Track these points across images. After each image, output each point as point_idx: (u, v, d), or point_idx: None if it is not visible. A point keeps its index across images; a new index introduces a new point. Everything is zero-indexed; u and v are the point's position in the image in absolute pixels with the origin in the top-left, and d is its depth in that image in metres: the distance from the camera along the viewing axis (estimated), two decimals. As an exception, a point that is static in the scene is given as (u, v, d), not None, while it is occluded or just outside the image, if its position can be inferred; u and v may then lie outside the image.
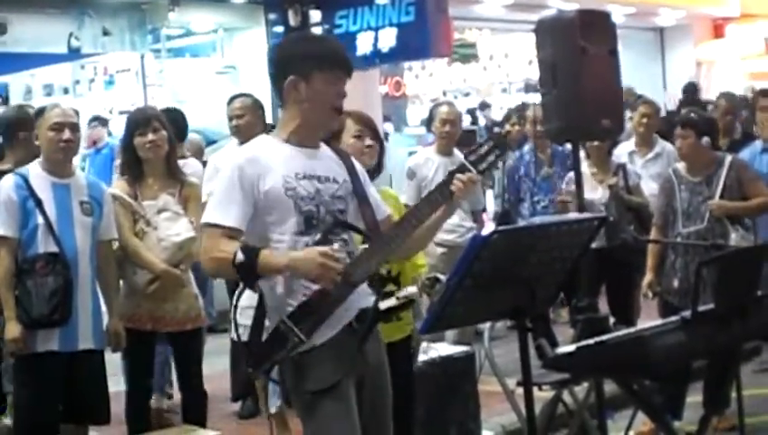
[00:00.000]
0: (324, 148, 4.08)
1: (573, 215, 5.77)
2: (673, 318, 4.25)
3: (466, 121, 15.83)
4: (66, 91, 15.20)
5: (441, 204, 3.93)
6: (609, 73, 6.01)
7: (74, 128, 5.72)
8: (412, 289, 4.08)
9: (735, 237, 6.39)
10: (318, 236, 3.85)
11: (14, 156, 6.43)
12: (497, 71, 21.83)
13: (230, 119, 7.25)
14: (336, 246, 3.82)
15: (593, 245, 5.36)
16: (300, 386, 3.88)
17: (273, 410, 5.99)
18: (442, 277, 4.36)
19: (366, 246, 3.94)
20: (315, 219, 3.87)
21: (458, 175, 3.89)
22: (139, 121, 6.07)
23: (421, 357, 5.72)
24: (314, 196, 3.89)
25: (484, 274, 3.63)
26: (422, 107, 19.89)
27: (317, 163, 3.97)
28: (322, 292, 3.78)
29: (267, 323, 3.89)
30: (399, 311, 4.05)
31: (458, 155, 8.29)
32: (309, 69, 3.90)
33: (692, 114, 6.92)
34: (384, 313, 3.96)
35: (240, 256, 3.73)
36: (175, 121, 7.24)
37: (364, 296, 3.91)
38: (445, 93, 21.66)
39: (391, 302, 3.98)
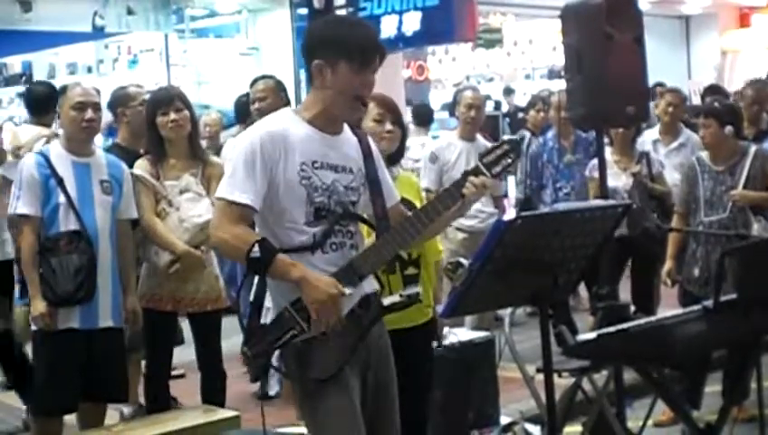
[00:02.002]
0: (345, 131, 4.00)
1: (597, 202, 5.74)
2: (695, 307, 4.25)
3: (489, 107, 15.76)
4: (90, 70, 15.27)
5: (453, 204, 3.87)
6: (634, 61, 5.97)
7: (96, 107, 5.73)
8: (416, 288, 4.03)
9: (758, 228, 6.36)
10: (325, 227, 3.80)
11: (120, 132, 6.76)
12: (521, 56, 21.77)
13: (252, 101, 7.22)
14: (346, 244, 3.81)
15: (616, 232, 5.33)
16: (302, 374, 3.82)
17: (271, 393, 6.00)
18: (464, 262, 4.35)
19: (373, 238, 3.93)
20: (325, 210, 3.81)
21: (471, 178, 3.83)
22: (162, 101, 6.05)
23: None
24: (329, 187, 3.82)
25: (506, 259, 3.62)
26: (445, 91, 19.86)
27: (336, 150, 3.89)
28: None
29: (267, 304, 3.85)
30: (402, 308, 3.96)
31: (481, 140, 8.29)
32: (336, 56, 3.79)
33: (715, 103, 6.88)
34: (386, 308, 3.90)
35: (256, 252, 3.65)
36: None
37: (367, 283, 3.88)
38: (468, 78, 21.62)
39: (395, 298, 3.90)
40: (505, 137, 3.87)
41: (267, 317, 3.86)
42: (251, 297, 3.85)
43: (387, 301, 3.89)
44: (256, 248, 3.65)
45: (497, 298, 3.97)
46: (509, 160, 3.87)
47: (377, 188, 3.96)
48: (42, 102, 7.44)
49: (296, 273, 3.68)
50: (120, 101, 6.76)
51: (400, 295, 3.90)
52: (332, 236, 3.81)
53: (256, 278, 3.85)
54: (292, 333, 3.73)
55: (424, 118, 12.48)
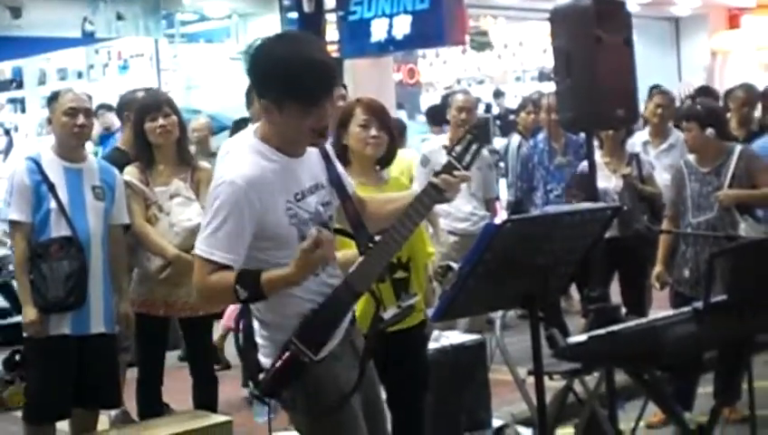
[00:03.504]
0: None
1: (587, 204, 5.75)
2: (685, 309, 4.25)
3: (480, 110, 15.77)
4: (80, 75, 15.28)
5: (432, 205, 3.76)
6: (623, 63, 6.00)
7: (88, 113, 5.74)
8: (415, 297, 4.00)
9: (745, 227, 6.38)
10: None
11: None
12: (512, 59, 21.81)
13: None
14: (313, 231, 3.54)
15: (606, 234, 5.31)
16: (310, 403, 3.71)
17: (260, 421, 5.96)
18: (454, 265, 4.33)
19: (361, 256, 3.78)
20: None
21: (443, 176, 3.68)
22: (151, 106, 6.05)
23: (433, 345, 5.72)
24: (312, 214, 3.69)
25: (496, 262, 3.62)
26: (436, 94, 19.89)
27: (306, 171, 3.74)
28: (321, 306, 3.67)
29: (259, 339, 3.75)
30: (401, 319, 3.89)
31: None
32: (282, 98, 3.55)
33: (697, 106, 6.90)
34: (387, 321, 3.80)
35: (243, 294, 3.50)
36: None
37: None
38: (459, 81, 21.65)
39: (394, 311, 3.81)
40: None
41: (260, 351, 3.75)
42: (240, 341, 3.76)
43: (387, 315, 3.79)
44: (240, 290, 3.49)
45: (488, 301, 3.97)
46: (476, 147, 3.71)
47: (343, 191, 3.85)
48: None
49: (283, 279, 3.53)
50: (128, 105, 6.79)
51: (398, 307, 3.84)
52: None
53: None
54: (303, 363, 3.62)
55: (439, 118, 12.52)
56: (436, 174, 3.72)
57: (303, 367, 3.63)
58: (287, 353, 3.62)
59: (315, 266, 3.55)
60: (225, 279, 3.52)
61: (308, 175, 3.74)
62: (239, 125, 7.44)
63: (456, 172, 3.69)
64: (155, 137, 5.97)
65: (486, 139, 3.67)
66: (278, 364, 3.63)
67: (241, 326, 3.76)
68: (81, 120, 5.63)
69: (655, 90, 9.43)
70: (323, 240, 3.46)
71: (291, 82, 3.53)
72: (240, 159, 3.66)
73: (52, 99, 5.96)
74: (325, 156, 3.86)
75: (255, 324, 3.74)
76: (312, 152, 3.80)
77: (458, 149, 3.72)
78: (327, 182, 3.82)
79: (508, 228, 3.59)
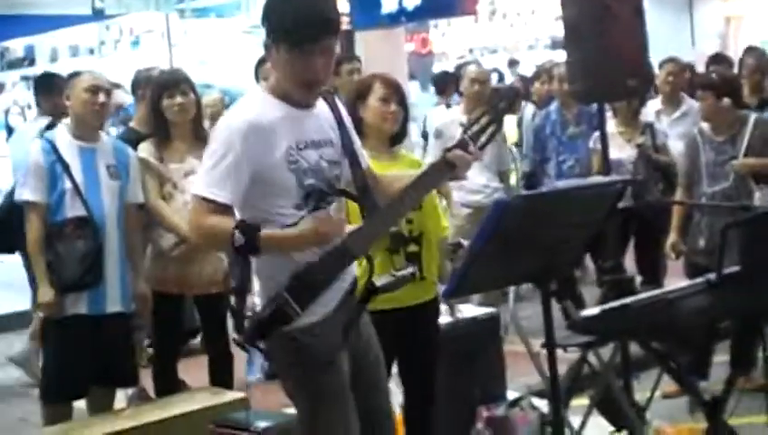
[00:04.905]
0: (318, 102, 3.84)
1: (597, 178, 5.74)
2: (698, 280, 4.24)
3: (493, 80, 15.72)
4: (92, 51, 15.32)
5: (441, 179, 3.81)
6: (634, 33, 5.94)
7: (108, 93, 5.77)
8: (409, 269, 4.01)
9: (759, 196, 6.36)
10: (311, 207, 3.67)
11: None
12: (524, 27, 21.69)
13: (262, 80, 7.21)
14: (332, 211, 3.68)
15: (620, 204, 5.26)
16: (297, 363, 3.74)
17: (253, 378, 6.01)
18: (464, 242, 4.34)
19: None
20: (313, 190, 3.69)
21: (456, 151, 3.69)
22: (169, 84, 6.06)
23: (446, 319, 5.72)
24: (315, 167, 3.69)
25: (506, 238, 3.61)
26: (448, 63, 19.81)
27: (313, 125, 3.75)
28: (314, 264, 3.64)
29: (255, 287, 3.79)
30: (394, 288, 3.88)
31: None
32: (276, 38, 3.62)
33: (712, 75, 6.87)
34: (379, 289, 3.78)
35: (239, 238, 3.51)
36: None
37: (355, 266, 3.84)
38: (471, 51, 21.56)
39: (387, 278, 3.83)
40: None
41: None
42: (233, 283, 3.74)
43: (379, 282, 3.79)
44: (237, 235, 3.51)
45: (498, 278, 3.98)
46: (492, 128, 3.74)
47: (354, 157, 3.85)
48: None
49: (284, 239, 3.58)
50: (143, 81, 6.80)
51: (392, 275, 3.85)
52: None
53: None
54: (287, 319, 3.61)
55: (442, 86, 12.54)
56: (449, 149, 3.73)
57: (288, 321, 3.61)
58: (274, 304, 3.61)
59: (318, 241, 3.57)
60: (223, 223, 3.57)
61: (314, 128, 3.76)
62: None
63: (470, 148, 3.69)
64: (172, 114, 5.99)
65: (501, 125, 3.66)
66: (264, 314, 3.63)
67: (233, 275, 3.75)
68: (101, 98, 5.66)
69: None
70: (336, 222, 3.53)
71: (282, 19, 3.60)
72: (243, 105, 3.76)
73: (71, 77, 5.93)
74: (340, 121, 3.86)
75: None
76: (325, 111, 3.83)
77: (475, 128, 3.72)
78: (338, 143, 3.82)
79: (517, 204, 3.59)
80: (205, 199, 3.59)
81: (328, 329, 3.69)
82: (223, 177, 3.58)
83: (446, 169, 3.71)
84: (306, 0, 3.63)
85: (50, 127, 6.84)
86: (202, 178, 3.65)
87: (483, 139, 3.72)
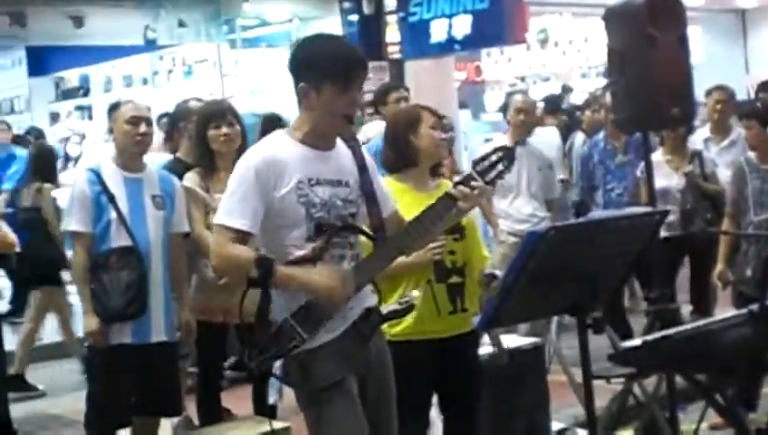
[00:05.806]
0: (339, 145, 4.07)
1: (634, 209, 5.70)
2: (741, 311, 4.19)
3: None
4: (145, 81, 15.47)
5: (446, 213, 3.94)
6: (678, 61, 5.92)
7: (149, 122, 5.81)
8: (415, 293, 4.10)
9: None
10: (324, 240, 3.88)
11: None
12: (576, 55, 21.59)
13: None
14: (347, 255, 3.92)
15: (668, 234, 5.16)
16: (305, 382, 3.93)
17: (270, 400, 6.08)
18: (498, 273, 4.34)
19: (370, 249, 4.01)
20: (325, 225, 3.89)
21: (460, 187, 3.90)
22: (215, 114, 6.10)
23: (489, 349, 5.69)
24: (326, 202, 3.90)
25: (541, 270, 3.60)
26: (500, 92, 19.76)
27: (330, 166, 3.97)
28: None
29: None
30: (400, 316, 4.08)
31: (531, 144, 8.29)
32: (320, 78, 3.88)
33: (758, 103, 6.83)
34: (385, 317, 4.00)
35: (254, 272, 3.76)
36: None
37: (369, 296, 3.99)
38: (523, 79, 21.49)
39: (393, 306, 4.02)
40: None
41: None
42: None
43: (385, 310, 3.99)
44: (255, 270, 3.75)
45: (534, 309, 3.96)
46: (502, 167, 3.91)
47: (373, 199, 4.04)
48: None
49: (298, 282, 3.81)
50: (182, 115, 6.85)
51: (399, 304, 4.01)
52: (332, 248, 3.89)
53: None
54: (294, 343, 3.83)
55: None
56: (455, 184, 3.92)
57: (294, 347, 3.83)
58: (280, 331, 3.84)
59: (331, 298, 3.80)
60: (244, 252, 3.83)
61: (331, 169, 3.97)
62: (272, 121, 7.48)
63: (473, 183, 3.87)
64: (218, 145, 6.02)
65: (512, 163, 3.83)
66: (270, 340, 3.84)
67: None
68: (143, 128, 5.69)
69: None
70: (348, 281, 3.82)
71: (330, 64, 3.87)
72: (263, 143, 4.04)
73: (113, 109, 6.01)
74: (362, 166, 4.06)
75: None
76: (346, 155, 4.05)
77: (485, 164, 3.89)
78: (355, 185, 4.01)
79: (551, 236, 3.57)
80: (224, 227, 3.84)
81: (333, 353, 3.86)
82: (240, 206, 3.83)
83: (451, 203, 3.90)
84: (339, 44, 4.11)
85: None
86: (222, 209, 3.90)
87: (492, 174, 3.89)
